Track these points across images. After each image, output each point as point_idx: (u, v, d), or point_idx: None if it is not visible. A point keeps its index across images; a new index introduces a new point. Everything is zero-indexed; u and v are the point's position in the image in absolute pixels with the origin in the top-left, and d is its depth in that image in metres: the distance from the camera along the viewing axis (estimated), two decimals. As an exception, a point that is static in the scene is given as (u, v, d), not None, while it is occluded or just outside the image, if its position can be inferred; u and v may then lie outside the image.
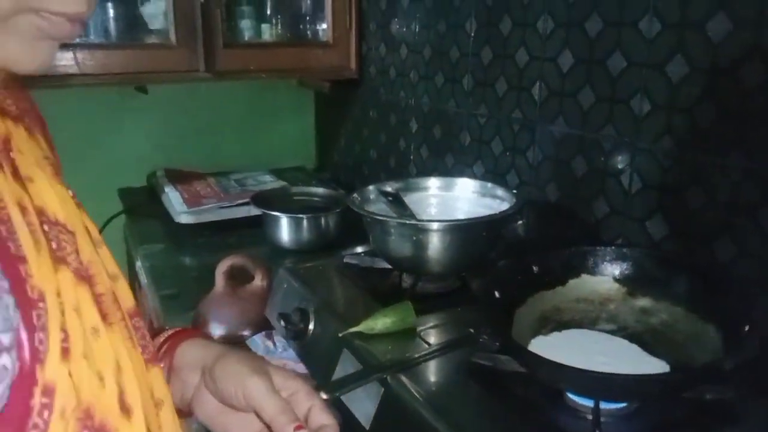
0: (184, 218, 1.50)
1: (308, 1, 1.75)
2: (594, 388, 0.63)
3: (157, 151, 1.85)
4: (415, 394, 0.73)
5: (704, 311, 0.73)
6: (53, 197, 0.43)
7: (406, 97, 1.55)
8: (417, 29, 1.47)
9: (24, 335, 0.34)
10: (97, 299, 0.43)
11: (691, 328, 0.74)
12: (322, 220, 1.37)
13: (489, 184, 1.06)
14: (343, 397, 0.77)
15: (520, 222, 1.18)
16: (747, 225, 0.82)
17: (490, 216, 0.93)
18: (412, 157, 1.57)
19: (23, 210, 0.38)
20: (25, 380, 0.34)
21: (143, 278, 1.37)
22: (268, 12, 1.69)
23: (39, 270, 0.37)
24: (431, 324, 0.88)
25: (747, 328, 0.65)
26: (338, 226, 1.38)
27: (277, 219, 1.36)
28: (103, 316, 0.43)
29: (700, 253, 0.88)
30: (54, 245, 0.40)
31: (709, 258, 0.87)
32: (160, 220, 1.59)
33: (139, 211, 1.68)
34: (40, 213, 0.41)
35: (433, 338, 0.84)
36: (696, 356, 0.70)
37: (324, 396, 0.67)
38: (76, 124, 1.68)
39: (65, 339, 0.37)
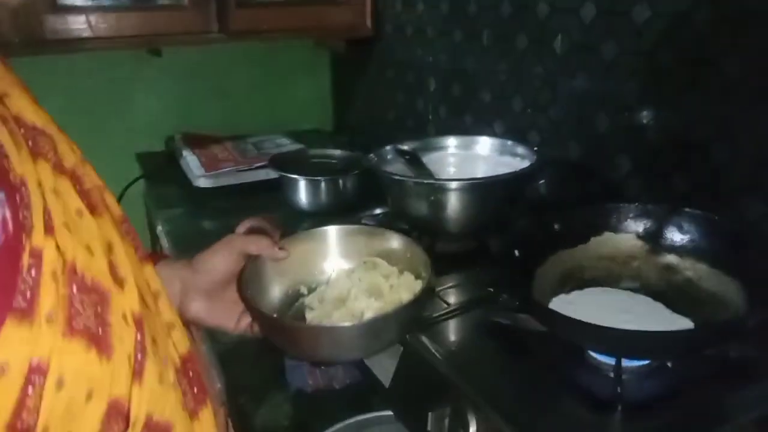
0: (203, 182, 1.50)
1: (322, -43, 1.70)
2: (616, 345, 0.62)
3: (174, 115, 1.84)
4: (434, 352, 0.73)
5: (729, 268, 0.72)
6: (28, 107, 0.48)
7: (423, 55, 1.52)
8: (434, -16, 1.43)
9: (9, 213, 0.38)
10: (83, 192, 0.49)
11: (715, 285, 0.73)
12: (340, 182, 1.36)
13: (509, 142, 1.04)
14: (362, 356, 0.77)
15: (541, 181, 1.16)
16: (776, 180, 0.80)
17: (508, 174, 0.91)
18: (430, 116, 1.54)
19: (3, 121, 0.43)
20: (11, 246, 0.37)
21: (164, 242, 1.38)
22: (281, -31, 1.65)
23: (19, 163, 0.41)
24: (450, 284, 0.87)
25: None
26: (356, 188, 1.37)
27: (294, 182, 1.36)
28: (91, 208, 0.49)
29: (726, 210, 0.86)
30: (31, 144, 0.46)
31: (736, 215, 0.85)
32: (179, 185, 1.59)
33: (157, 176, 1.68)
34: (17, 120, 0.46)
35: (452, 298, 0.84)
36: (719, 313, 0.69)
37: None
38: (91, 90, 1.68)
39: (48, 216, 0.42)
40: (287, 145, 1.73)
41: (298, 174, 1.36)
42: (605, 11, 1.00)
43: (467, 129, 1.38)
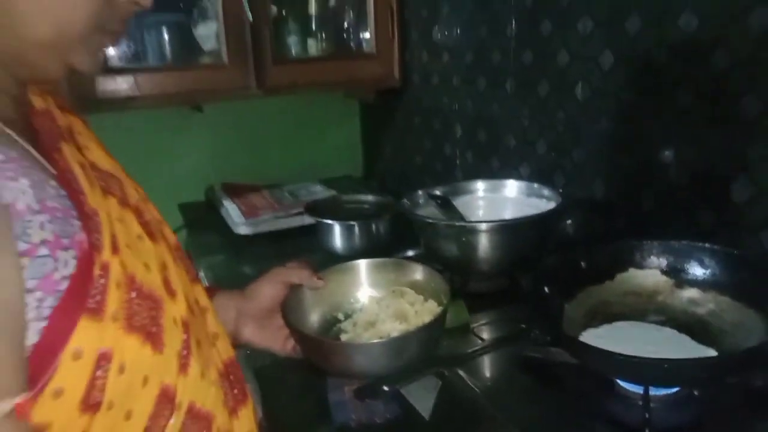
0: (243, 229, 1.58)
1: (351, 14, 1.81)
2: (642, 374, 0.66)
3: (213, 166, 1.94)
4: (471, 385, 0.77)
5: (750, 299, 0.75)
6: (101, 156, 0.62)
7: (449, 103, 1.59)
8: (458, 35, 1.51)
9: (84, 236, 0.48)
10: (144, 223, 0.59)
11: (737, 316, 0.76)
12: (373, 226, 1.41)
13: (535, 185, 1.09)
14: (403, 391, 0.82)
15: (569, 221, 1.20)
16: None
17: (535, 216, 0.96)
18: (457, 161, 1.60)
19: (82, 166, 0.54)
20: (86, 261, 0.48)
21: (207, 287, 1.44)
22: (313, 27, 1.76)
23: (92, 198, 0.51)
24: (483, 321, 0.92)
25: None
26: (388, 232, 1.43)
27: (329, 226, 1.42)
28: (150, 235, 0.59)
29: (748, 244, 0.89)
30: (103, 184, 0.56)
31: (758, 249, 0.88)
32: (219, 232, 1.66)
33: (199, 225, 1.76)
34: (92, 166, 0.58)
35: (486, 334, 0.88)
36: (743, 343, 0.72)
37: (385, 388, 0.72)
38: (137, 145, 1.78)
39: (114, 239, 0.51)
40: (320, 192, 1.80)
41: (333, 219, 1.42)
42: (623, 58, 1.06)
43: (494, 173, 1.43)
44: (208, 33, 1.65)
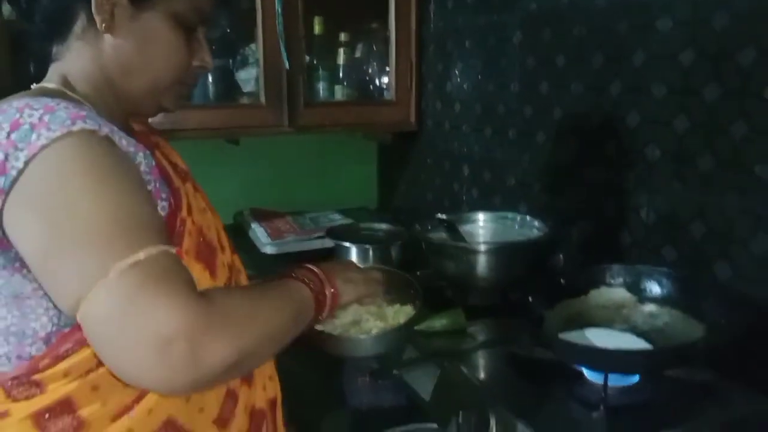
0: (269, 249, 1.77)
1: (374, 65, 2.03)
2: (601, 361, 0.83)
3: (243, 193, 2.14)
4: (465, 373, 0.94)
5: (695, 313, 0.93)
6: (179, 160, 0.88)
7: (459, 146, 1.80)
8: (469, 88, 1.72)
9: (173, 201, 0.74)
10: (206, 203, 0.86)
11: (686, 326, 0.94)
12: (386, 250, 1.60)
13: (528, 218, 1.28)
14: (407, 377, 0.99)
15: (561, 255, 1.39)
16: (741, 253, 1.01)
17: (522, 241, 1.15)
18: (464, 197, 1.80)
19: (169, 164, 0.81)
20: (172, 216, 0.73)
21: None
22: (341, 75, 1.98)
23: (177, 181, 0.78)
24: (478, 327, 1.09)
25: (722, 322, 0.84)
26: (399, 256, 1.61)
27: (348, 249, 1.61)
28: (210, 210, 0.86)
29: (703, 274, 1.07)
30: (182, 175, 0.82)
31: (711, 278, 1.06)
32: (246, 252, 1.84)
33: (227, 244, 1.95)
34: (175, 166, 0.83)
35: (479, 336, 1.06)
36: (686, 346, 0.89)
37: (395, 372, 0.90)
38: (178, 170, 1.99)
39: (189, 206, 0.77)
40: (339, 219, 2.00)
41: (350, 242, 1.61)
42: (606, 118, 1.26)
43: (496, 209, 1.62)
44: (248, 77, 1.87)
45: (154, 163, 0.71)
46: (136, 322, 0.56)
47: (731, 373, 0.91)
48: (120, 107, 0.78)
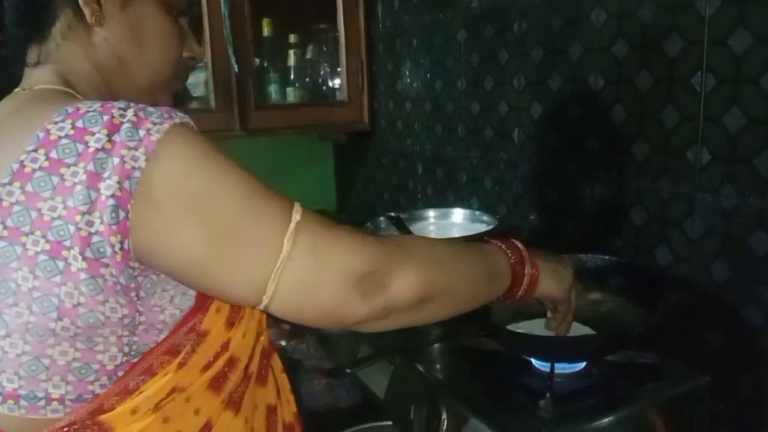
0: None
1: (326, 67, 2.04)
2: (544, 350, 0.85)
3: (198, 200, 2.12)
4: (418, 367, 0.96)
5: (637, 299, 0.96)
6: None
7: (412, 145, 1.81)
8: (418, 87, 1.74)
9: None
10: None
11: (628, 312, 0.97)
12: (343, 251, 1.61)
13: (477, 212, 1.30)
14: (361, 375, 1.00)
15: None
16: (678, 238, 1.05)
17: (472, 236, 1.17)
18: (419, 195, 1.82)
19: None
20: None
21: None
22: (292, 77, 1.98)
23: None
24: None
25: (660, 305, 0.87)
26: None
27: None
28: None
29: (645, 260, 1.10)
30: None
31: (652, 263, 1.09)
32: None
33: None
34: None
35: (432, 331, 1.07)
36: (627, 330, 0.92)
37: (347, 371, 0.91)
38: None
39: None
40: (297, 223, 2.00)
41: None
42: (548, 110, 1.29)
43: (450, 204, 1.64)
44: (196, 81, 1.86)
45: None
46: (329, 271, 0.58)
47: (671, 353, 0.94)
48: None
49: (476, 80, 1.50)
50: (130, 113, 0.56)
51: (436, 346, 1.01)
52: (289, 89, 1.97)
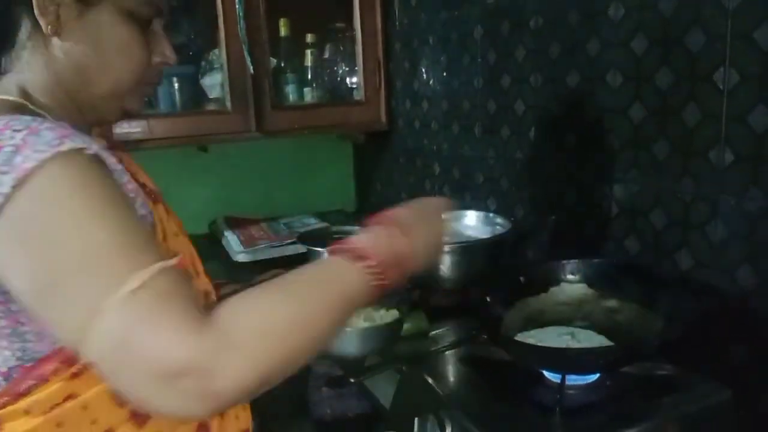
0: (241, 257, 1.75)
1: (343, 66, 2.01)
2: (556, 362, 0.81)
3: (217, 201, 2.12)
4: (426, 377, 0.93)
5: (655, 307, 0.91)
6: (147, 179, 0.80)
7: (429, 144, 1.78)
8: (435, 86, 1.70)
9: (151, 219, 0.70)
10: (178, 225, 0.79)
11: (646, 321, 0.92)
12: (358, 253, 1.58)
13: (491, 214, 1.26)
14: (367, 383, 0.97)
15: (529, 251, 1.37)
16: (700, 242, 0.99)
17: (485, 239, 1.13)
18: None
19: (139, 183, 0.72)
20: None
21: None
22: (309, 77, 1.95)
23: (148, 203, 0.70)
24: (441, 329, 1.07)
25: (680, 313, 0.83)
26: (372, 258, 1.59)
27: (319, 254, 1.58)
28: (183, 234, 0.80)
29: (665, 264, 1.05)
30: (152, 196, 0.75)
31: (672, 267, 1.04)
32: (220, 261, 1.83)
33: (201, 255, 1.93)
34: (143, 186, 0.75)
35: (442, 339, 1.04)
36: (645, 341, 0.88)
37: (351, 380, 0.88)
38: (149, 181, 1.97)
39: (164, 231, 0.72)
40: (314, 223, 1.98)
41: (323, 247, 1.59)
42: (566, 108, 1.24)
43: (467, 205, 1.60)
44: (213, 83, 1.85)
45: (126, 178, 0.66)
46: (138, 357, 0.52)
47: (691, 365, 0.89)
48: (82, 117, 0.73)
49: (493, 78, 1.45)
50: (18, 137, 0.57)
51: (445, 356, 0.98)
52: (306, 89, 1.95)
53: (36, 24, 0.67)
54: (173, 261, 0.56)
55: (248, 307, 0.57)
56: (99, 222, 0.56)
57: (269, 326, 0.56)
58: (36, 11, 0.67)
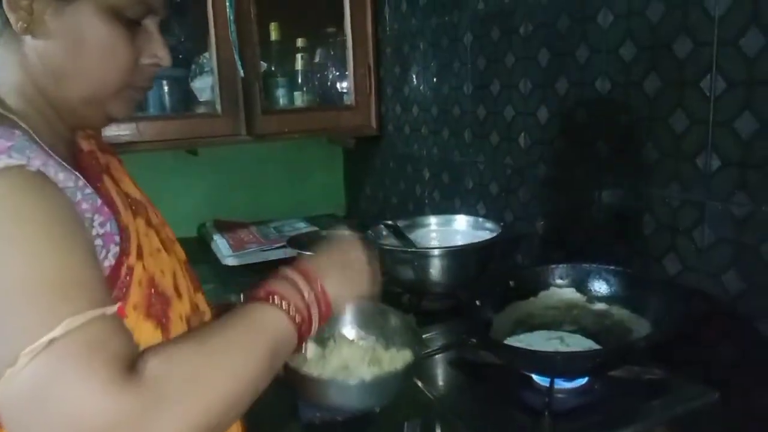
0: (230, 261, 1.74)
1: (333, 71, 2.01)
2: (543, 365, 0.82)
3: (206, 204, 2.11)
4: (416, 381, 0.93)
5: (643, 311, 0.92)
6: (132, 188, 0.75)
7: (419, 149, 1.78)
8: (425, 91, 1.71)
9: (120, 243, 0.63)
10: (162, 240, 0.72)
11: (634, 325, 0.93)
12: (348, 258, 1.58)
13: (480, 219, 1.27)
14: (357, 388, 0.96)
15: (519, 256, 1.37)
16: (688, 246, 1.00)
17: (474, 243, 1.13)
18: (426, 201, 1.78)
19: (118, 194, 0.69)
20: (118, 263, 0.62)
21: (197, 312, 1.60)
22: (299, 81, 1.96)
23: (126, 217, 0.66)
24: (431, 333, 1.08)
25: (667, 318, 0.83)
26: (362, 263, 1.59)
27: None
28: (166, 249, 0.72)
29: (654, 269, 1.06)
30: (133, 208, 0.70)
31: (661, 272, 1.05)
32: (209, 264, 1.82)
33: (190, 258, 1.92)
34: (126, 195, 0.71)
35: (431, 343, 1.04)
36: (633, 345, 0.88)
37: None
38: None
39: (139, 248, 0.65)
40: (304, 228, 1.98)
41: (312, 251, 1.59)
42: (555, 114, 1.25)
43: (457, 210, 1.61)
44: (203, 86, 1.85)
45: (99, 201, 0.61)
46: (54, 414, 0.47)
47: (679, 368, 0.89)
48: (62, 121, 0.67)
49: (482, 84, 1.46)
50: None
51: (435, 360, 0.98)
52: (296, 93, 1.95)
53: (7, 20, 0.61)
54: (111, 309, 0.51)
55: (176, 359, 0.53)
56: (30, 254, 0.51)
57: (199, 378, 0.53)
58: (5, 5, 0.60)
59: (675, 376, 0.88)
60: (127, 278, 0.62)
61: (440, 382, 0.94)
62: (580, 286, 1.01)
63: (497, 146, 1.44)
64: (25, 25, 0.60)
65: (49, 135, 0.63)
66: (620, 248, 1.13)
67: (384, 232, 1.26)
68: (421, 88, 1.73)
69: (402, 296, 1.24)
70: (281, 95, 1.94)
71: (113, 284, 0.61)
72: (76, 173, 0.60)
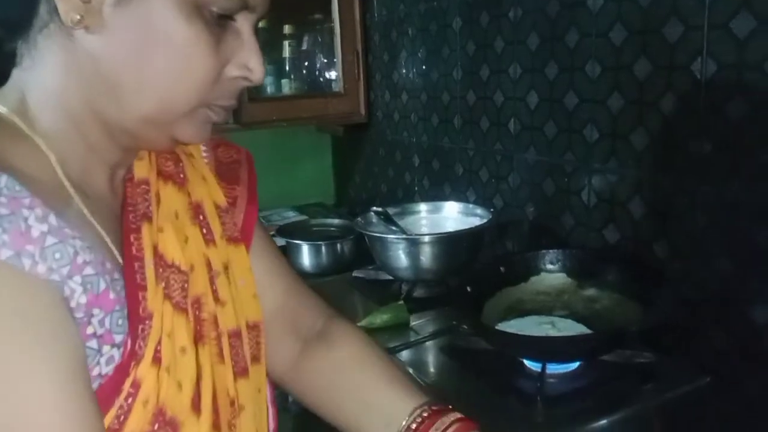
0: (219, 250, 1.72)
1: (321, 58, 1.99)
2: (535, 349, 0.82)
3: (194, 194, 2.09)
4: (409, 369, 0.92)
5: (634, 296, 0.92)
6: (174, 244, 0.54)
7: (408, 136, 1.77)
8: (414, 78, 1.70)
9: (129, 340, 0.47)
10: (198, 323, 0.54)
11: (625, 309, 0.93)
12: (338, 246, 1.57)
13: (470, 205, 1.26)
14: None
15: (509, 242, 1.37)
16: (679, 231, 1.00)
17: (465, 230, 1.13)
18: (416, 188, 1.78)
19: (155, 251, 0.52)
20: (122, 370, 0.46)
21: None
22: (287, 69, 1.94)
23: (153, 298, 0.49)
24: (423, 320, 1.07)
25: (659, 301, 0.83)
26: (352, 251, 1.58)
27: (298, 246, 1.58)
28: (199, 337, 0.54)
29: (643, 254, 1.06)
30: (163, 284, 0.52)
31: (650, 257, 1.05)
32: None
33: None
34: (160, 257, 0.53)
35: (423, 330, 1.04)
36: (625, 330, 0.88)
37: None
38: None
39: (158, 352, 0.49)
40: (292, 217, 1.97)
41: (301, 240, 1.58)
42: (545, 99, 1.24)
43: (447, 197, 1.60)
44: (190, 73, 1.82)
45: (103, 287, 0.46)
46: None
47: (670, 353, 0.90)
48: (112, 141, 0.52)
49: (472, 70, 1.45)
50: None
51: (426, 346, 0.98)
52: (284, 81, 1.93)
53: (55, 7, 0.46)
54: None
55: None
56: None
57: None
58: None
59: (666, 361, 0.88)
60: (129, 400, 0.47)
61: (432, 369, 0.94)
62: (571, 271, 1.01)
63: (487, 132, 1.43)
64: (78, 17, 0.46)
65: (84, 161, 0.51)
66: (610, 233, 1.13)
67: (374, 219, 1.25)
68: (410, 74, 1.72)
69: (393, 283, 1.23)
70: (269, 83, 1.92)
71: (107, 402, 0.46)
72: (98, 226, 0.49)
